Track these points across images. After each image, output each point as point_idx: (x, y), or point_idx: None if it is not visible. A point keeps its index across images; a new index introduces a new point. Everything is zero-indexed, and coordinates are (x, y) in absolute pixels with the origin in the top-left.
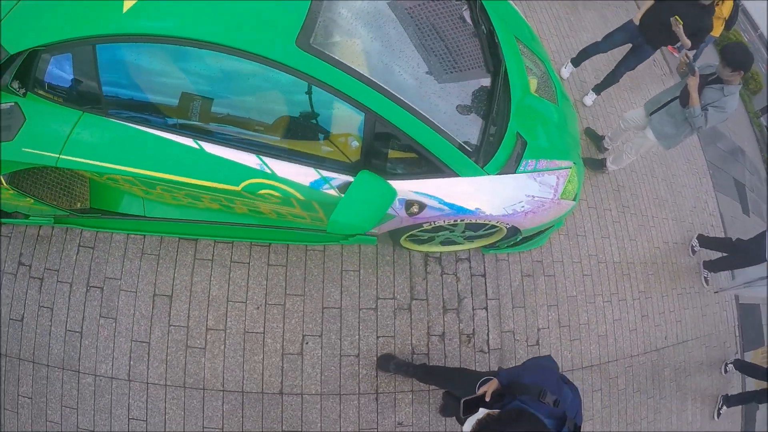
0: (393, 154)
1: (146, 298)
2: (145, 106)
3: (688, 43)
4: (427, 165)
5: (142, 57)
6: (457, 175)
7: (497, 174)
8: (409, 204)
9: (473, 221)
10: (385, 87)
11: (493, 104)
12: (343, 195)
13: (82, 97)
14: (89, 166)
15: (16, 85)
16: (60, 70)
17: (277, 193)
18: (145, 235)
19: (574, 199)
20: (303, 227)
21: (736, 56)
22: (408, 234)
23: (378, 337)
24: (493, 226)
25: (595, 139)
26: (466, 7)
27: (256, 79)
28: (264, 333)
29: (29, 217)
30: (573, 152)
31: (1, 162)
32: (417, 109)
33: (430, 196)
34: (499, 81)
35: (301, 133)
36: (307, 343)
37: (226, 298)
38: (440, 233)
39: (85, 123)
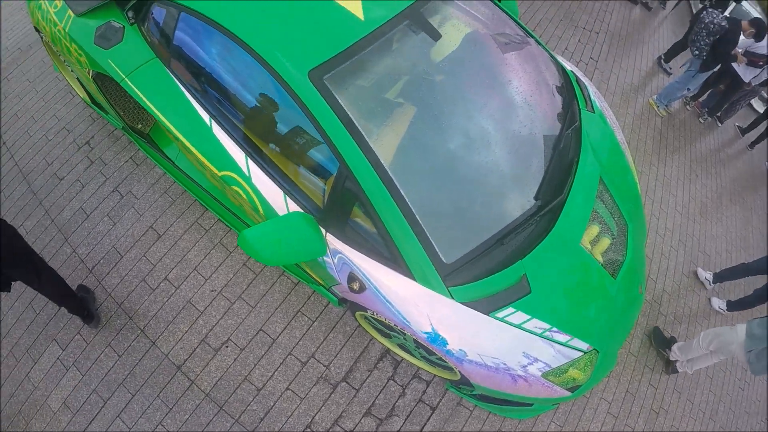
0: (356, 213)
1: (143, 225)
2: (190, 73)
3: None
4: (384, 247)
5: (199, 32)
6: (411, 278)
7: (462, 303)
8: (351, 277)
9: (418, 340)
10: (374, 149)
11: (515, 229)
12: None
13: (159, 46)
14: (137, 97)
15: (130, 14)
16: (157, 18)
17: (244, 196)
18: (174, 182)
19: (570, 391)
20: None
21: None
22: (361, 312)
23: (287, 389)
24: (443, 360)
25: (660, 342)
26: (559, 112)
27: (267, 85)
28: (201, 314)
29: (108, 114)
30: (604, 340)
31: (91, 60)
32: (395, 181)
33: (372, 284)
34: (542, 210)
35: (287, 154)
36: (227, 346)
37: (195, 266)
38: (393, 333)
39: (152, 65)
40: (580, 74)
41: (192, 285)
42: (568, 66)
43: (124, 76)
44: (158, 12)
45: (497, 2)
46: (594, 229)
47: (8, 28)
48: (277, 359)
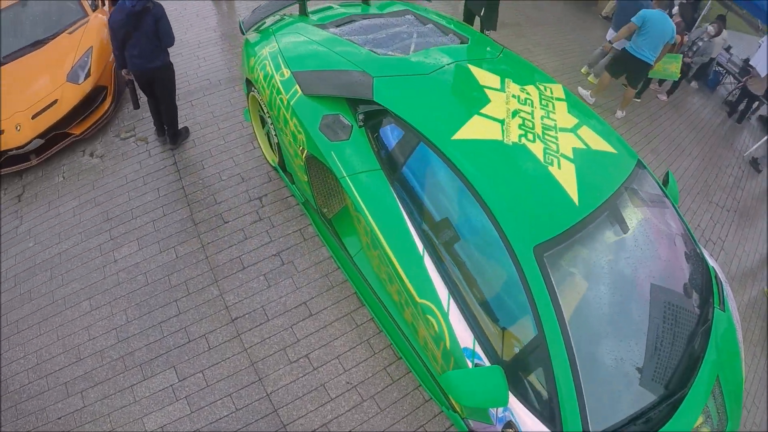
0: (534, 378)
1: (297, 299)
2: (414, 200)
3: None
4: (546, 406)
5: (434, 168)
6: None
7: None
8: (508, 424)
9: None
10: (567, 325)
11: (646, 412)
12: (471, 367)
13: (386, 160)
14: (354, 199)
15: (361, 117)
16: (390, 135)
17: (436, 328)
18: (339, 268)
19: None
20: (427, 362)
21: None
22: None
23: None
24: None
25: None
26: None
27: (493, 244)
28: (331, 400)
29: (293, 185)
30: None
31: (311, 143)
32: (574, 352)
33: None
34: (668, 399)
35: (488, 306)
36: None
37: (338, 355)
38: None
39: (375, 175)
40: (719, 271)
41: (330, 371)
42: (711, 262)
43: (345, 175)
44: (393, 130)
45: (663, 187)
46: (699, 419)
47: (203, 56)
48: None
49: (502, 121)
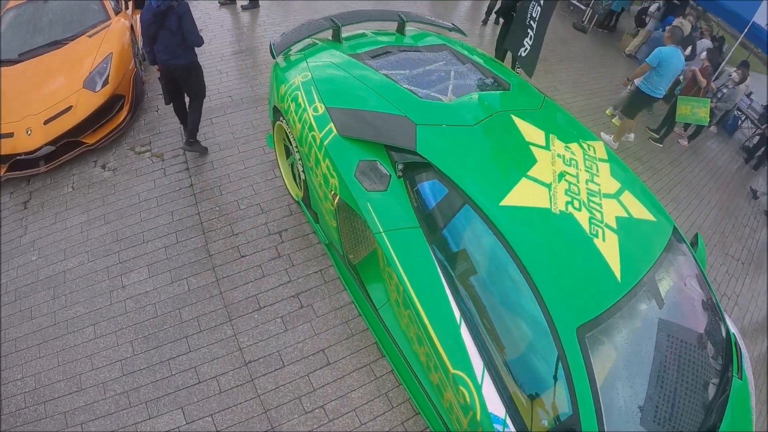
0: None
1: (315, 346)
2: (454, 263)
3: None
4: None
5: (478, 234)
6: None
7: None
8: None
9: None
10: (602, 410)
11: None
12: None
13: (426, 218)
14: (389, 256)
15: (400, 167)
16: (429, 188)
17: (467, 398)
18: (360, 315)
19: None
20: (449, 423)
21: None
22: None
23: None
24: None
25: None
26: None
27: (535, 319)
28: None
29: (319, 223)
30: None
31: (345, 189)
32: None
33: None
34: None
35: (522, 380)
36: None
37: (355, 408)
38: None
39: (413, 234)
40: (739, 338)
41: (346, 424)
42: (732, 328)
43: (381, 230)
44: (436, 186)
45: (693, 252)
46: None
47: (226, 70)
48: None
49: (549, 186)
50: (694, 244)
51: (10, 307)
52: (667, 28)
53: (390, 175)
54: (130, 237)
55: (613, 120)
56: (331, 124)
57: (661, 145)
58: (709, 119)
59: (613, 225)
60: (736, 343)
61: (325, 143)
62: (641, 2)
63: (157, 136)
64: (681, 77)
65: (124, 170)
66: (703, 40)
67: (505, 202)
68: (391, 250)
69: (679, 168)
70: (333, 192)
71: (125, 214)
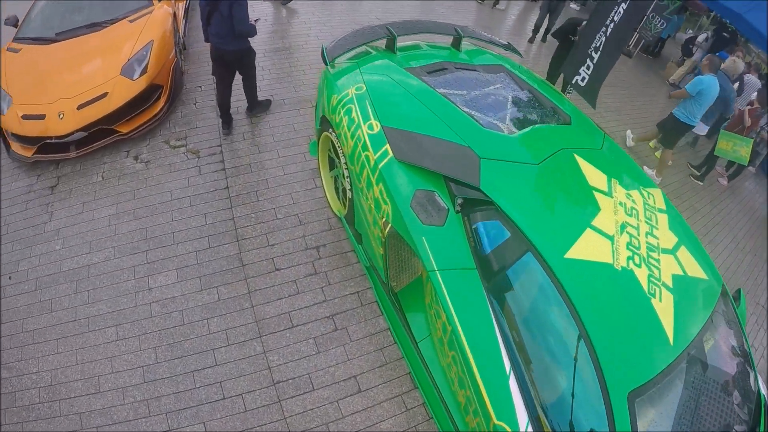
0: None
1: (347, 371)
2: (509, 311)
3: None
4: None
5: (540, 286)
6: None
7: None
8: None
9: None
10: None
11: None
12: None
13: (483, 260)
14: (441, 296)
15: (460, 201)
16: (490, 228)
17: None
18: (396, 343)
19: None
20: None
21: None
22: None
23: None
24: None
25: None
26: None
27: (587, 382)
28: None
29: (362, 244)
30: None
31: (399, 219)
32: None
33: None
34: None
35: None
36: None
37: None
38: None
39: (469, 275)
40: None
41: None
42: (763, 389)
43: (435, 268)
44: (497, 228)
45: (736, 309)
46: None
47: (268, 67)
48: None
49: (612, 238)
50: (736, 298)
51: (30, 296)
52: (706, 56)
53: (448, 209)
54: (159, 236)
55: (656, 153)
56: (388, 146)
57: (701, 183)
58: (749, 159)
59: (669, 284)
60: (765, 404)
61: (379, 166)
62: (686, 31)
63: (194, 131)
64: (727, 114)
65: (157, 164)
66: (749, 75)
67: (569, 255)
68: (444, 290)
69: (717, 208)
70: (384, 219)
71: (156, 212)
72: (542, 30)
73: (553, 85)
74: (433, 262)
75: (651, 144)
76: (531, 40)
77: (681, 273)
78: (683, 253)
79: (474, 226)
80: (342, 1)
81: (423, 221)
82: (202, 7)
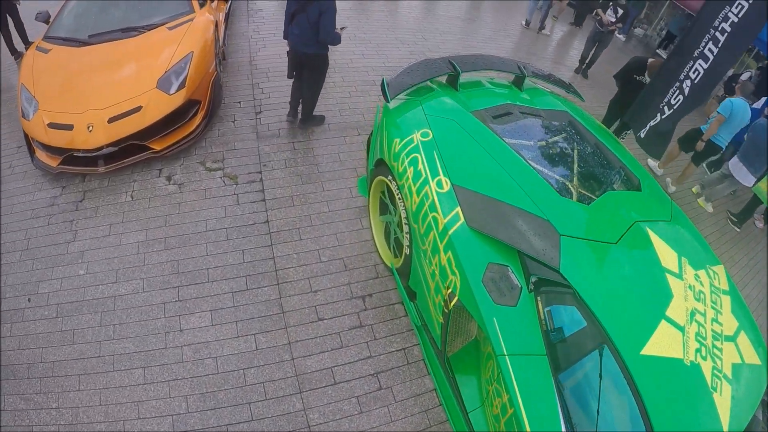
0: None
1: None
2: (576, 403)
3: None
4: None
5: (612, 381)
6: None
7: None
8: None
9: None
10: None
11: None
12: None
13: (555, 347)
14: (509, 380)
15: (533, 280)
16: (564, 314)
17: None
18: (442, 405)
19: None
20: None
21: None
22: None
23: None
24: None
25: None
26: None
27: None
28: None
29: (416, 303)
30: None
31: (468, 294)
32: None
33: None
34: None
35: None
36: None
37: None
38: None
39: (539, 362)
40: None
41: None
42: None
43: (505, 353)
44: (572, 314)
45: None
46: None
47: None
48: None
49: (683, 330)
50: None
51: (50, 323)
52: (741, 79)
53: (521, 288)
54: (192, 272)
55: (699, 200)
56: (459, 210)
57: (738, 230)
58: None
59: (729, 374)
60: None
61: (449, 232)
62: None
63: (232, 153)
64: None
65: (191, 187)
66: None
67: (645, 351)
68: (512, 376)
69: (755, 260)
70: (450, 291)
71: (189, 242)
72: (587, 61)
73: (609, 128)
74: (503, 347)
75: (694, 189)
76: (578, 71)
77: (740, 362)
78: (743, 339)
79: (547, 309)
80: (384, 19)
81: (495, 300)
82: (289, 4)
